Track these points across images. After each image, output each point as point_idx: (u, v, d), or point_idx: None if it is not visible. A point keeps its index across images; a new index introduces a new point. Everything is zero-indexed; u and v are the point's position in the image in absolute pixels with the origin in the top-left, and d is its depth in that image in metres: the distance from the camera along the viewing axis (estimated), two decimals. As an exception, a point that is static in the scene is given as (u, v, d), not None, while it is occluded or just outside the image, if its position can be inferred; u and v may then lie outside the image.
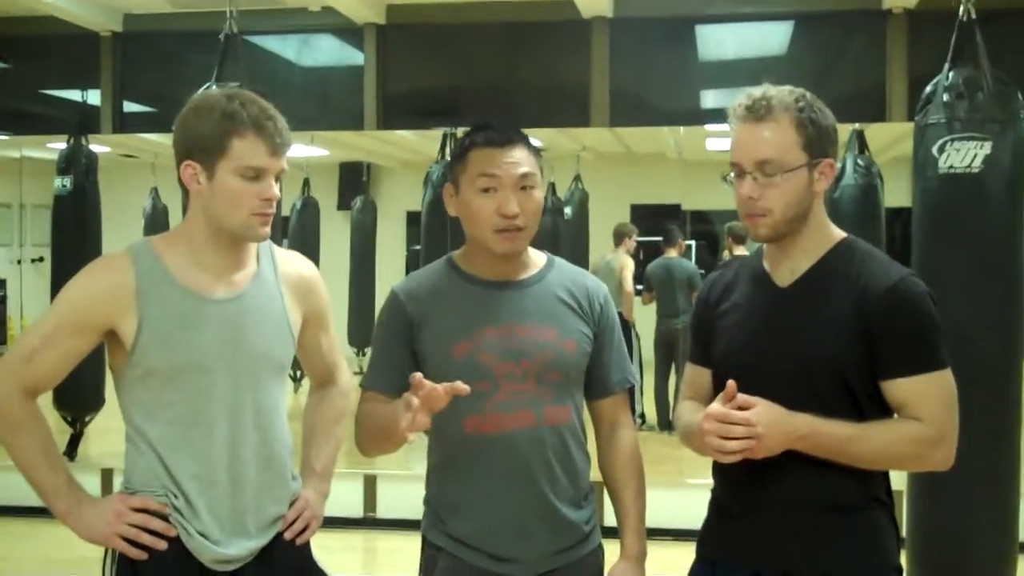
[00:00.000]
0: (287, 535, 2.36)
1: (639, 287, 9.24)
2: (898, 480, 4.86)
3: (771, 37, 6.99)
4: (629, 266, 9.04)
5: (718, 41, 7.21)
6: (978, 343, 3.57)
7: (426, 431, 2.11)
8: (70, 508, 2.26)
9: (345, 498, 6.18)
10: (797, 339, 2.14)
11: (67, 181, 6.53)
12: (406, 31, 7.20)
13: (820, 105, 2.16)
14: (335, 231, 9.72)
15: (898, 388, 2.08)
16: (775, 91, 2.15)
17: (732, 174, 2.18)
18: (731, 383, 2.07)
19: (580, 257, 9.72)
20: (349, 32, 7.32)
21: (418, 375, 2.03)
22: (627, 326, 8.91)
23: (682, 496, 4.46)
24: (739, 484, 2.19)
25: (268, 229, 2.26)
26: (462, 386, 2.02)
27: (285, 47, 7.76)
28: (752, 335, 2.21)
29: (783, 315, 2.18)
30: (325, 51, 7.92)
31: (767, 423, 2.03)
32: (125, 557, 2.24)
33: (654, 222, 10.27)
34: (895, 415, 2.12)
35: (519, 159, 2.27)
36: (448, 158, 5.64)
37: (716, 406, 2.07)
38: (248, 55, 5.81)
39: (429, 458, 2.41)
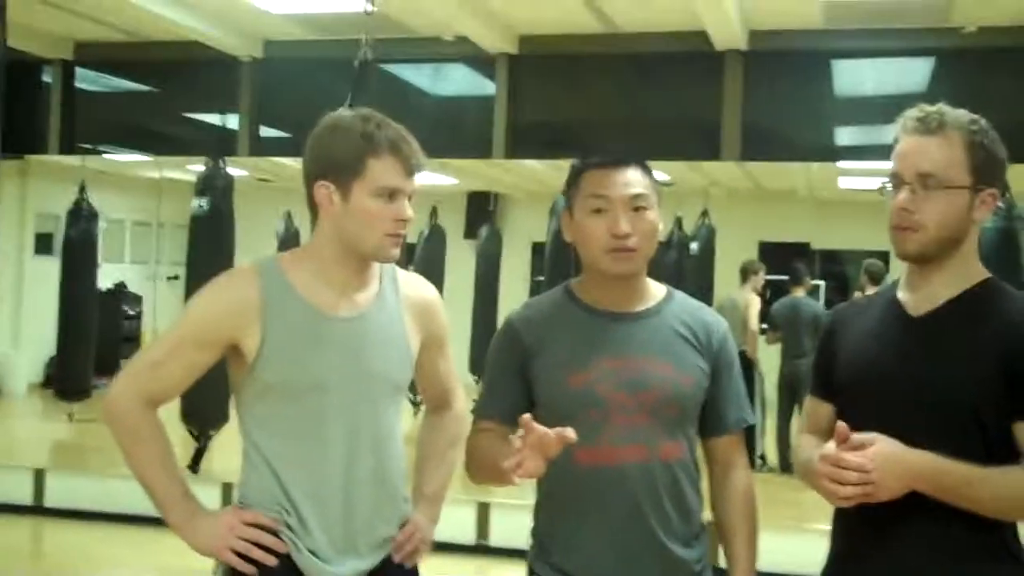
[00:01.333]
0: (396, 558, 2.34)
1: (764, 326, 9.09)
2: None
3: (911, 73, 6.83)
4: (755, 304, 8.87)
5: (855, 76, 7.07)
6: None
7: None
8: (185, 519, 2.27)
9: (458, 524, 6.18)
10: (928, 367, 2.04)
11: (204, 202, 6.68)
12: (537, 61, 7.24)
13: (995, 135, 2.07)
14: (461, 259, 9.80)
15: None
16: (950, 109, 2.08)
17: (889, 185, 2.10)
18: (840, 425, 1.98)
19: (705, 293, 9.57)
20: (481, 61, 7.40)
21: (527, 417, 2.00)
22: (750, 365, 8.74)
23: (801, 541, 4.32)
24: (858, 530, 2.09)
25: (398, 250, 2.27)
26: (571, 434, 1.98)
27: (418, 76, 7.87)
28: (877, 360, 2.12)
29: (914, 344, 2.08)
30: (456, 80, 8.00)
31: (884, 460, 1.94)
32: (234, 571, 2.24)
33: (782, 260, 10.10)
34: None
35: (631, 180, 2.25)
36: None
37: (830, 448, 1.98)
38: (381, 82, 5.90)
39: (538, 489, 2.38)
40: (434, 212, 9.83)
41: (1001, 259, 5.98)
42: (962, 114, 2.06)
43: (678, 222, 9.94)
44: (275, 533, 2.23)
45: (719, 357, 2.33)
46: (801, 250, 12.18)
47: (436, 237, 9.90)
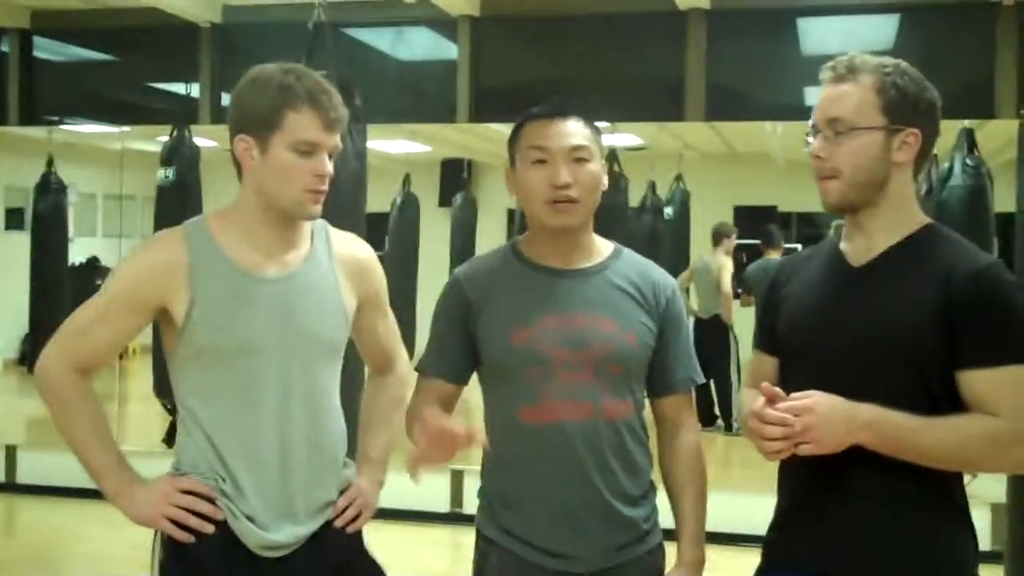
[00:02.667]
0: (338, 523, 2.31)
1: (739, 290, 9.09)
2: (998, 489, 4.65)
3: (876, 30, 6.78)
4: (728, 267, 8.87)
5: (821, 34, 7.02)
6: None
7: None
8: (120, 488, 2.24)
9: (432, 493, 6.16)
10: (868, 317, 2.01)
11: (170, 172, 6.54)
12: (500, 23, 7.17)
13: (915, 75, 2.04)
14: (435, 228, 9.72)
15: (975, 380, 1.93)
16: (863, 56, 2.05)
17: (810, 137, 2.08)
18: (765, 386, 1.96)
19: (680, 258, 9.56)
20: (443, 24, 7.31)
21: (428, 412, 2.01)
22: (725, 328, 8.75)
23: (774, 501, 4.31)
24: (802, 485, 2.07)
25: (319, 207, 2.21)
26: (481, 437, 2.03)
27: (380, 39, 7.78)
28: (817, 312, 2.09)
29: (854, 293, 2.05)
30: (419, 44, 7.92)
31: (821, 413, 1.91)
32: (173, 539, 2.21)
33: (757, 224, 10.08)
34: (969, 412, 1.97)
35: (571, 131, 2.23)
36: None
37: (757, 404, 1.96)
38: (343, 47, 5.81)
39: (484, 449, 2.34)
40: (407, 180, 9.73)
41: (970, 217, 5.96)
42: (876, 59, 2.04)
43: (652, 186, 9.90)
44: (211, 500, 2.19)
45: (666, 315, 2.30)
46: (775, 214, 12.18)
47: (409, 205, 9.81)
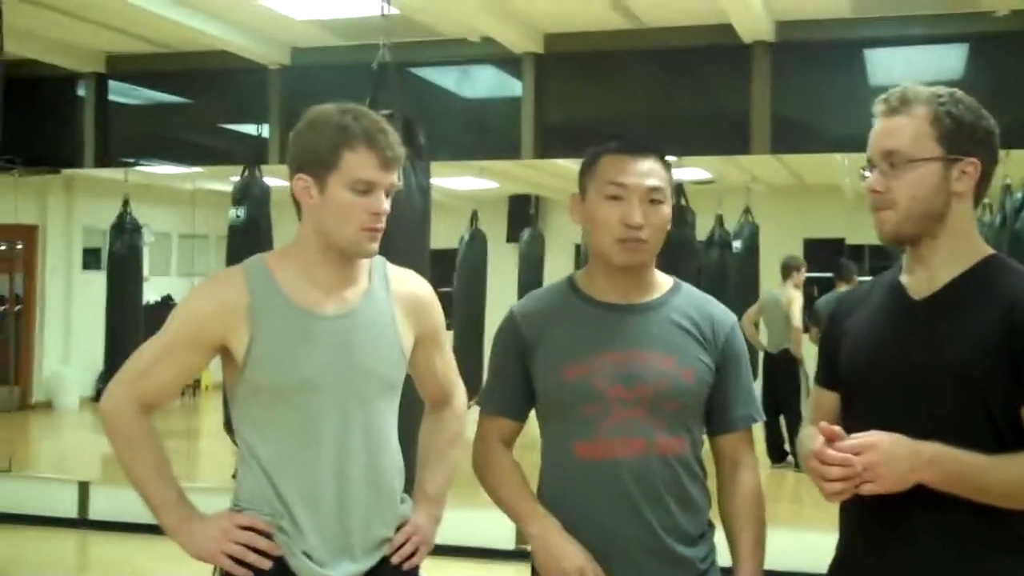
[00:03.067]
0: (395, 559, 2.30)
1: (809, 323, 8.97)
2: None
3: (944, 60, 6.69)
4: (797, 300, 8.73)
5: (886, 65, 6.93)
6: None
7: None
8: (179, 524, 2.25)
9: (495, 530, 6.12)
10: (930, 352, 1.96)
11: (240, 211, 6.65)
12: (564, 60, 7.19)
13: (970, 103, 1.99)
14: (503, 263, 9.76)
15: None
16: (916, 87, 2.01)
17: (866, 171, 2.04)
18: (824, 426, 1.91)
19: (749, 292, 9.48)
20: (508, 62, 7.35)
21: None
22: (795, 362, 8.63)
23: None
24: (864, 524, 2.02)
25: (375, 245, 2.23)
26: None
27: (446, 78, 7.85)
28: (878, 347, 2.04)
29: (916, 327, 2.00)
30: (484, 81, 7.97)
31: (883, 452, 1.86)
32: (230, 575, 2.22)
33: (827, 257, 9.96)
34: None
35: (650, 170, 2.21)
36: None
37: (817, 444, 1.91)
38: (409, 86, 5.85)
39: (539, 485, 2.33)
40: (475, 216, 9.80)
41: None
42: (930, 89, 2.00)
43: (719, 220, 9.84)
44: (269, 536, 2.20)
45: (726, 351, 2.27)
46: (847, 247, 12.01)
47: (477, 241, 9.88)
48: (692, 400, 2.23)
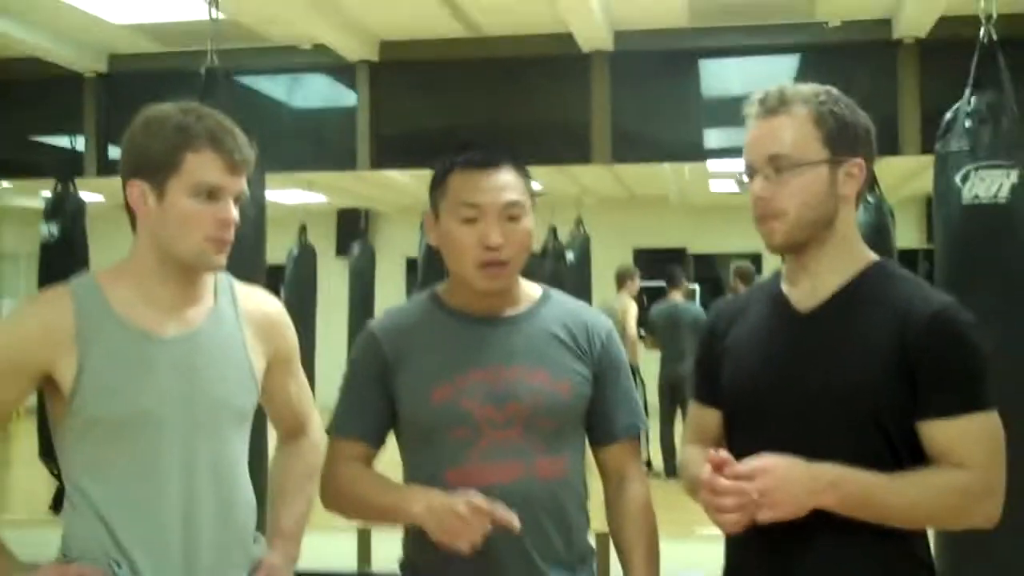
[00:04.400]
0: (249, 606, 2.10)
1: (642, 332, 9.08)
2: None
3: (777, 71, 6.81)
4: (632, 310, 8.87)
5: (722, 76, 7.03)
6: (1009, 384, 3.30)
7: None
8: None
9: (337, 552, 5.93)
10: (821, 370, 1.86)
11: (54, 228, 6.25)
12: (400, 68, 7.04)
13: (849, 103, 1.91)
14: (333, 278, 9.59)
15: (939, 431, 1.80)
16: (794, 86, 1.91)
17: (745, 177, 1.93)
18: (711, 455, 1.80)
19: (583, 302, 9.53)
20: (341, 70, 7.16)
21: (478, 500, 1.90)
22: (632, 371, 8.69)
23: (691, 548, 4.21)
24: (758, 550, 1.89)
25: (223, 257, 2.01)
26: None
27: (276, 87, 7.60)
28: (764, 365, 1.94)
29: (804, 343, 1.90)
30: (317, 91, 7.76)
31: (776, 477, 1.75)
32: (58, 636, 1.98)
33: (658, 266, 10.13)
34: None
35: (505, 184, 2.04)
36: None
37: (705, 474, 1.79)
38: (238, 95, 5.57)
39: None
40: (303, 231, 9.57)
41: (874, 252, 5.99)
42: (807, 87, 1.90)
43: (553, 231, 9.88)
44: (105, 587, 1.97)
45: (603, 360, 2.13)
46: (677, 255, 12.27)
47: (306, 256, 9.65)
48: (570, 415, 2.09)
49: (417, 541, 2.12)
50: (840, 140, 1.88)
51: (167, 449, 1.98)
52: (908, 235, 6.15)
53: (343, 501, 2.14)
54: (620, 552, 2.17)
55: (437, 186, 2.10)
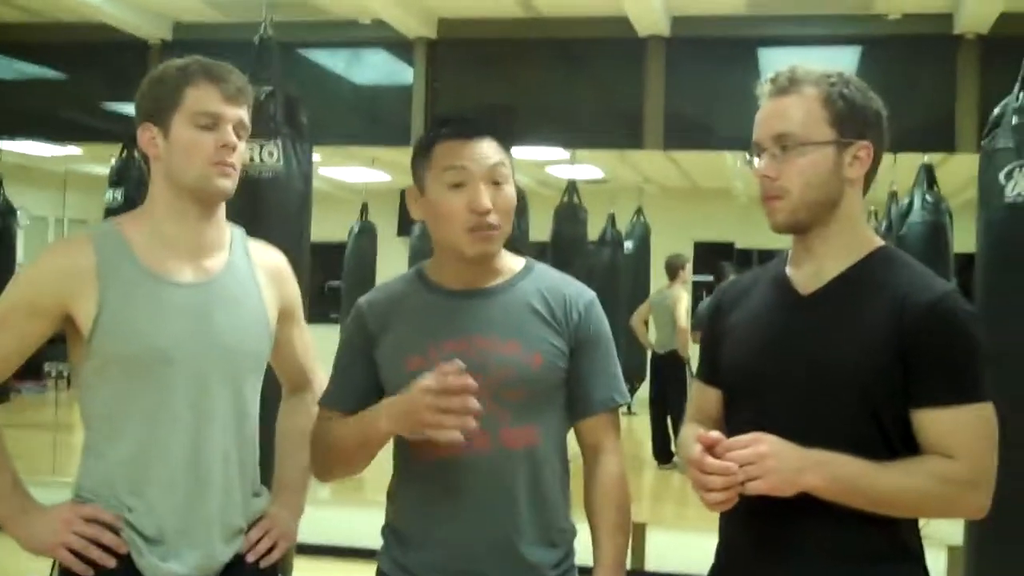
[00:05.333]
0: (250, 556, 2.15)
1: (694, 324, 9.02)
2: (955, 532, 4.54)
3: (835, 62, 6.67)
4: (683, 300, 8.75)
5: (781, 65, 6.93)
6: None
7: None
8: (13, 514, 2.08)
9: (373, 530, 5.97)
10: (817, 352, 1.86)
11: (118, 193, 6.37)
12: (457, 46, 7.06)
13: (860, 86, 1.91)
14: (393, 256, 9.63)
15: (931, 420, 1.80)
16: (806, 67, 1.92)
17: (752, 156, 1.94)
18: (702, 435, 1.81)
19: (640, 292, 9.52)
20: (399, 46, 7.20)
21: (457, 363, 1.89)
22: (682, 363, 8.64)
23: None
24: (748, 525, 1.91)
25: (229, 182, 2.10)
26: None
27: (335, 61, 7.67)
28: (763, 345, 1.95)
29: (802, 325, 1.91)
30: (374, 66, 7.80)
31: (774, 446, 1.77)
32: (70, 572, 2.04)
33: (716, 260, 10.05)
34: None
35: (489, 150, 2.06)
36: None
37: (695, 452, 1.81)
38: (298, 67, 5.64)
39: (390, 482, 2.19)
40: (364, 208, 9.65)
41: (928, 253, 5.92)
42: (819, 69, 1.90)
43: (611, 219, 9.86)
44: (116, 531, 2.03)
45: (580, 332, 2.12)
46: (726, 250, 12.15)
47: (366, 233, 9.74)
48: (542, 387, 2.08)
49: (395, 506, 2.16)
50: (848, 122, 1.88)
51: (180, 390, 2.05)
52: (970, 239, 6.02)
53: (328, 456, 2.17)
54: (591, 523, 2.14)
55: (421, 158, 2.11)
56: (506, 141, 2.11)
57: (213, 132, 2.07)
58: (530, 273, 2.17)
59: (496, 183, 2.05)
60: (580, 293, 2.17)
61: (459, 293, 2.12)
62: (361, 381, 2.13)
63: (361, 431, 2.05)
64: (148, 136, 2.10)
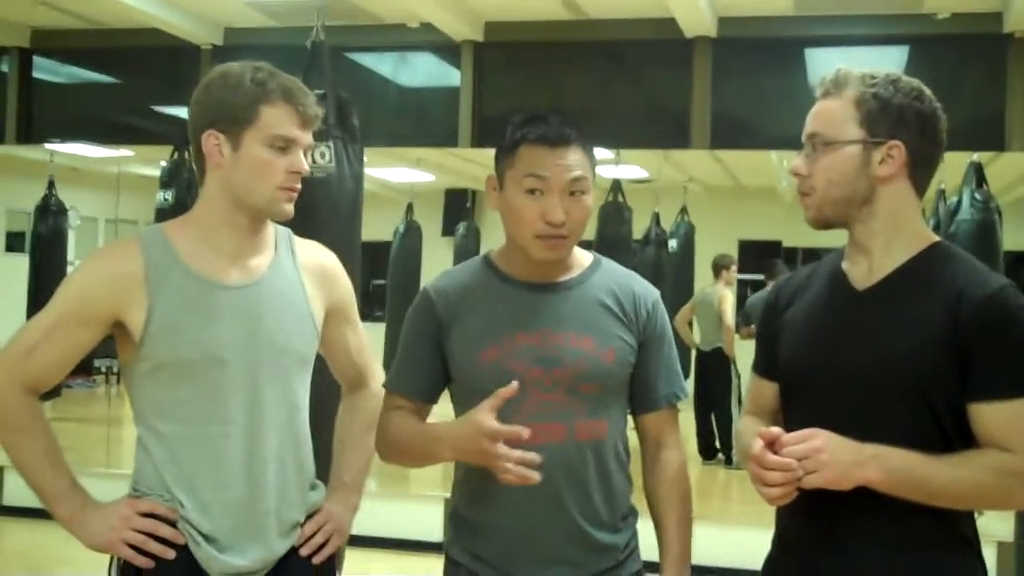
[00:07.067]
0: (304, 550, 2.20)
1: (740, 322, 9.00)
2: (1004, 527, 4.51)
3: (884, 62, 6.68)
4: (729, 299, 8.75)
5: (828, 65, 6.90)
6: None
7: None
8: (73, 513, 2.14)
9: (425, 522, 6.03)
10: (873, 346, 1.89)
11: (169, 195, 6.47)
12: (503, 49, 7.10)
13: (907, 86, 1.92)
14: (439, 256, 9.67)
15: (987, 414, 1.82)
16: (852, 70, 1.95)
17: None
18: (763, 431, 1.85)
19: (684, 291, 9.48)
20: (446, 49, 7.25)
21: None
22: (727, 361, 8.64)
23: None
24: (805, 517, 1.94)
25: (291, 206, 2.13)
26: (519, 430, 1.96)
27: (382, 64, 7.73)
28: (819, 339, 1.98)
29: (858, 319, 1.94)
30: (422, 69, 7.86)
31: (829, 439, 1.80)
32: (131, 565, 2.10)
33: (762, 259, 10.01)
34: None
35: (572, 162, 2.09)
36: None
37: (756, 448, 1.84)
38: (346, 71, 5.68)
39: (456, 470, 2.24)
40: (410, 209, 9.70)
41: (977, 251, 5.86)
42: (865, 71, 1.94)
43: (656, 218, 9.83)
44: (173, 524, 2.08)
45: (648, 329, 2.18)
46: (779, 248, 12.09)
47: (412, 233, 9.78)
48: (613, 382, 2.15)
49: (464, 494, 2.22)
50: (878, 122, 1.90)
51: (232, 391, 2.10)
52: (1020, 237, 5.98)
53: (392, 451, 2.24)
54: (654, 517, 2.23)
55: (504, 156, 2.15)
56: (590, 149, 2.14)
57: (285, 155, 2.09)
58: (599, 268, 2.22)
59: (573, 193, 2.09)
60: (648, 290, 2.23)
61: (531, 285, 2.17)
62: (428, 368, 2.19)
63: (425, 446, 2.14)
64: (213, 143, 2.10)
